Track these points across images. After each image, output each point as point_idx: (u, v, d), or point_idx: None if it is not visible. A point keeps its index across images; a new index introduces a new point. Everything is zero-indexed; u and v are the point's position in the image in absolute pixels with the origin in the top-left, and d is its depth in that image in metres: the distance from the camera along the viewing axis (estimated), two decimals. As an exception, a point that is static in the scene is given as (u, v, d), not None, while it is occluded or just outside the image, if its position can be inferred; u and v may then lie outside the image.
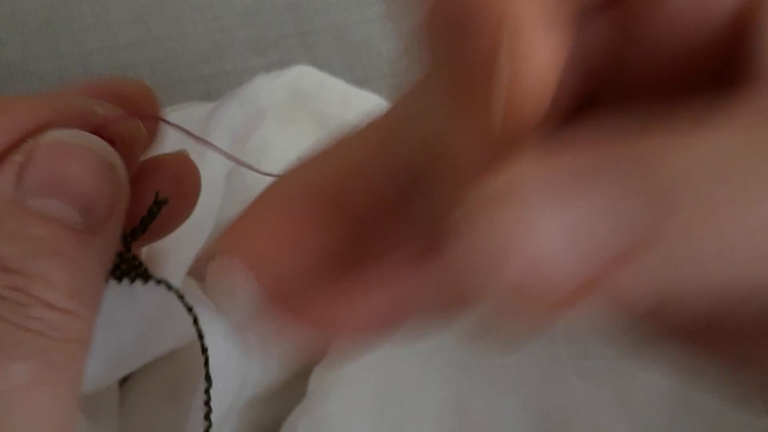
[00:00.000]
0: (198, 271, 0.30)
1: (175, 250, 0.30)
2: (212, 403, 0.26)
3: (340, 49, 0.53)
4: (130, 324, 0.25)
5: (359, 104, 0.42)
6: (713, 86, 0.17)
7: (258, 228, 0.20)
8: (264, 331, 0.20)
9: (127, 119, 0.24)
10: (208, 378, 0.26)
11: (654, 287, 0.14)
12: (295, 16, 0.54)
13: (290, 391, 0.34)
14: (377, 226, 0.19)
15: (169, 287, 0.25)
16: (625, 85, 0.18)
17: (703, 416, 0.34)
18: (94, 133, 0.23)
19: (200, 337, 0.25)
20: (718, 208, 0.14)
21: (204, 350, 0.26)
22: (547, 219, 0.14)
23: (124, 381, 0.31)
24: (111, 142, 0.23)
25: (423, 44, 0.17)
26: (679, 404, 0.35)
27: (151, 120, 0.26)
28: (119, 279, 0.24)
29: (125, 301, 0.24)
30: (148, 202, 0.25)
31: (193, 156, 0.27)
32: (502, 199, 0.14)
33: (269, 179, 0.22)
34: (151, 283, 0.25)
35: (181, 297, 0.25)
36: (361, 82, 0.49)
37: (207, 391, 0.26)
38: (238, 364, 0.27)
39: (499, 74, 0.15)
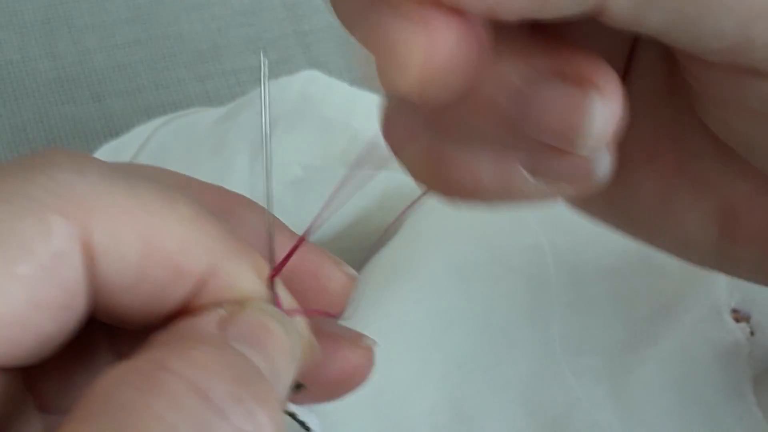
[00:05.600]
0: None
1: None
2: None
3: (339, 49, 0.53)
4: None
5: (366, 108, 0.42)
6: None
7: None
8: None
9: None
10: None
11: None
12: (293, 15, 0.54)
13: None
14: None
15: None
16: None
17: (699, 411, 0.34)
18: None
19: None
20: None
21: None
22: None
23: None
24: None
25: None
26: (675, 399, 0.35)
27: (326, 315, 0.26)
28: None
29: None
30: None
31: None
32: None
33: None
34: None
35: None
36: (360, 81, 0.49)
37: None
38: None
39: None
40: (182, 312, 0.22)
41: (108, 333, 0.24)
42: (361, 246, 0.38)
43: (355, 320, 0.34)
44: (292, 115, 0.40)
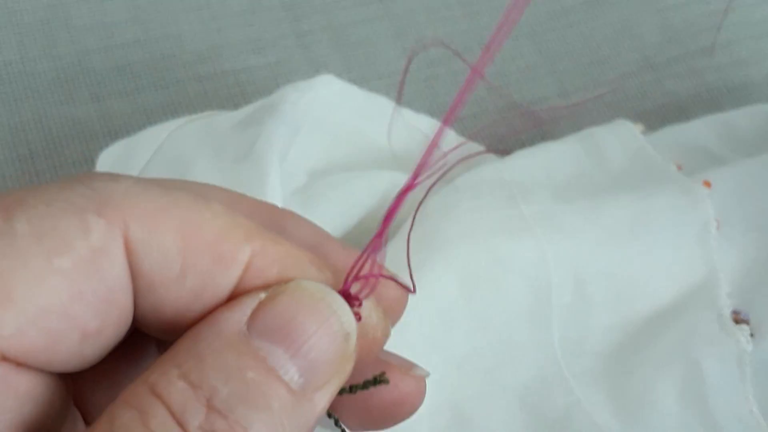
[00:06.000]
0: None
1: None
2: None
3: (338, 49, 0.53)
4: None
5: (377, 112, 0.42)
6: None
7: None
8: None
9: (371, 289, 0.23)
10: None
11: None
12: (292, 15, 0.54)
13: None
14: None
15: None
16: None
17: (698, 413, 0.34)
18: (345, 294, 0.22)
19: None
20: None
21: None
22: None
23: None
24: (356, 309, 0.23)
25: None
26: (675, 401, 0.35)
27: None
28: None
29: None
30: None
31: None
32: None
33: None
34: None
35: None
36: (359, 81, 0.49)
37: None
38: None
39: None
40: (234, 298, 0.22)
41: (159, 349, 0.24)
42: (365, 242, 0.38)
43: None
44: (303, 122, 0.40)
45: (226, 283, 0.21)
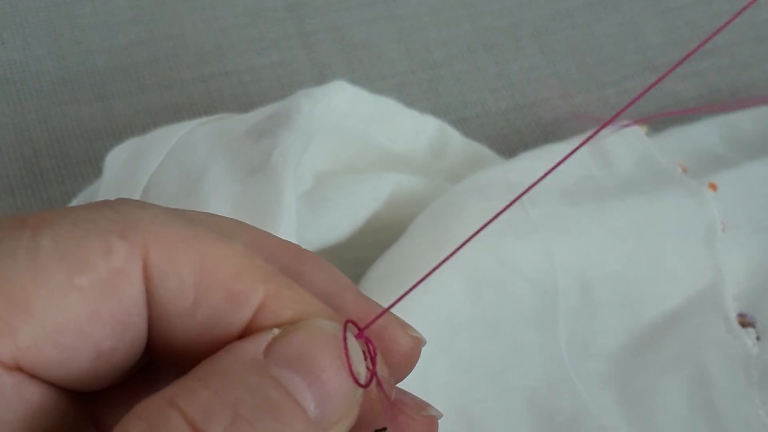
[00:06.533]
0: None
1: None
2: None
3: (341, 50, 0.53)
4: None
5: (389, 117, 0.42)
6: None
7: None
8: None
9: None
10: None
11: None
12: (295, 16, 0.54)
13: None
14: None
15: None
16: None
17: (705, 415, 0.34)
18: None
19: None
20: None
21: None
22: None
23: None
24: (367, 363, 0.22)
25: None
26: (682, 404, 0.35)
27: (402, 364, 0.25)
28: None
29: None
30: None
31: None
32: None
33: None
34: None
35: None
36: (362, 82, 0.49)
37: None
38: None
39: None
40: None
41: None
42: (371, 245, 0.38)
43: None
44: (317, 131, 0.39)
45: (237, 321, 0.22)
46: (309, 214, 0.37)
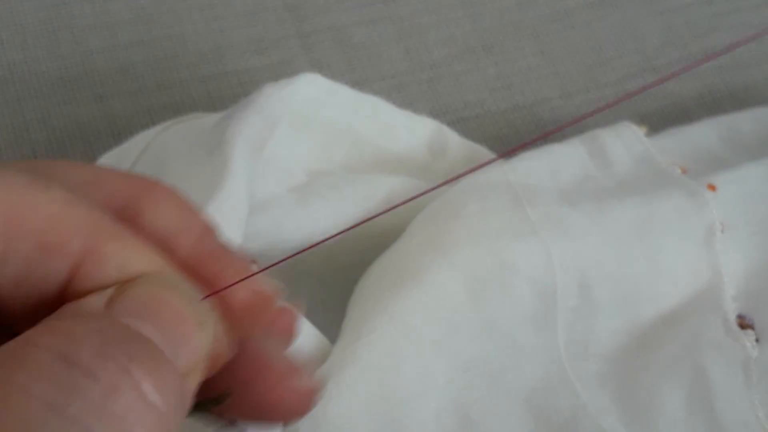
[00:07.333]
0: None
1: None
2: None
3: (340, 50, 0.53)
4: None
5: (367, 110, 0.42)
6: None
7: None
8: None
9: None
10: None
11: None
12: (295, 16, 0.54)
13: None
14: None
15: None
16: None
17: (704, 417, 0.34)
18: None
19: None
20: None
21: None
22: None
23: None
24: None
25: None
26: (681, 405, 0.35)
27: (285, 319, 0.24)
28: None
29: None
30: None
31: None
32: None
33: None
34: None
35: None
36: (361, 82, 0.49)
37: None
38: None
39: None
40: (69, 297, 0.21)
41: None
42: (368, 248, 0.38)
43: (361, 325, 0.34)
44: (295, 119, 0.40)
45: (55, 274, 0.21)
46: (294, 206, 0.37)
